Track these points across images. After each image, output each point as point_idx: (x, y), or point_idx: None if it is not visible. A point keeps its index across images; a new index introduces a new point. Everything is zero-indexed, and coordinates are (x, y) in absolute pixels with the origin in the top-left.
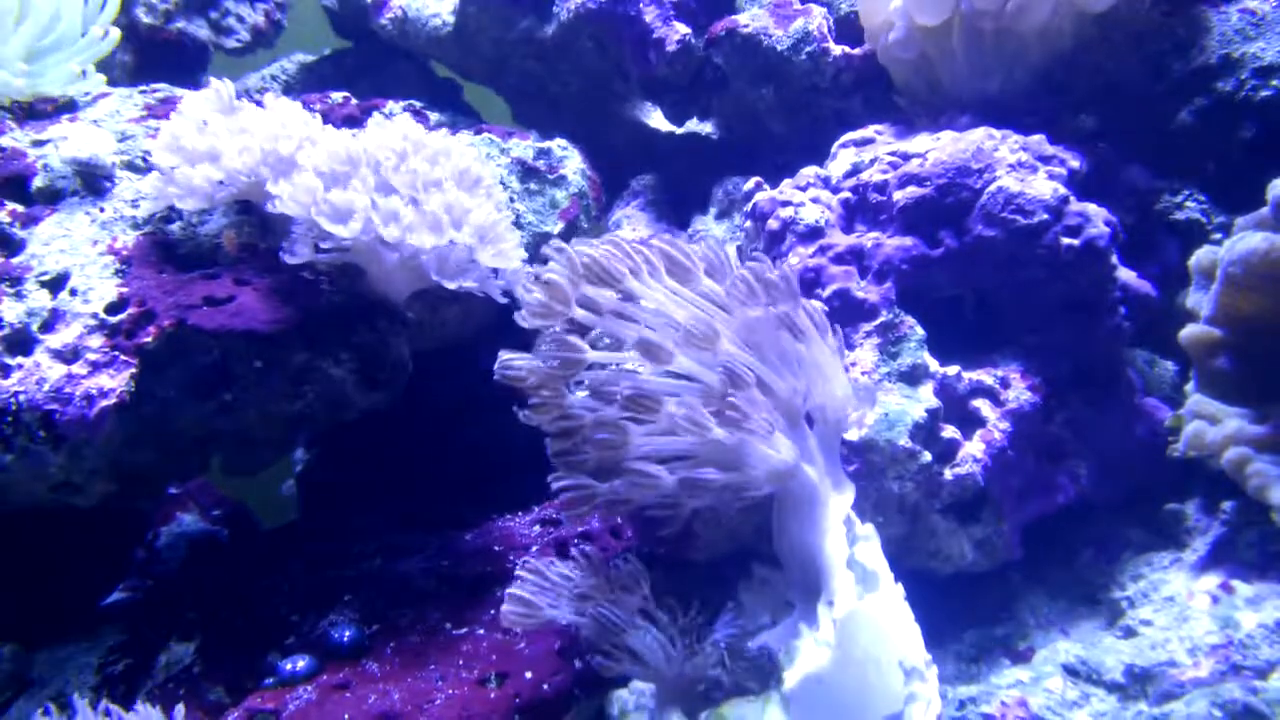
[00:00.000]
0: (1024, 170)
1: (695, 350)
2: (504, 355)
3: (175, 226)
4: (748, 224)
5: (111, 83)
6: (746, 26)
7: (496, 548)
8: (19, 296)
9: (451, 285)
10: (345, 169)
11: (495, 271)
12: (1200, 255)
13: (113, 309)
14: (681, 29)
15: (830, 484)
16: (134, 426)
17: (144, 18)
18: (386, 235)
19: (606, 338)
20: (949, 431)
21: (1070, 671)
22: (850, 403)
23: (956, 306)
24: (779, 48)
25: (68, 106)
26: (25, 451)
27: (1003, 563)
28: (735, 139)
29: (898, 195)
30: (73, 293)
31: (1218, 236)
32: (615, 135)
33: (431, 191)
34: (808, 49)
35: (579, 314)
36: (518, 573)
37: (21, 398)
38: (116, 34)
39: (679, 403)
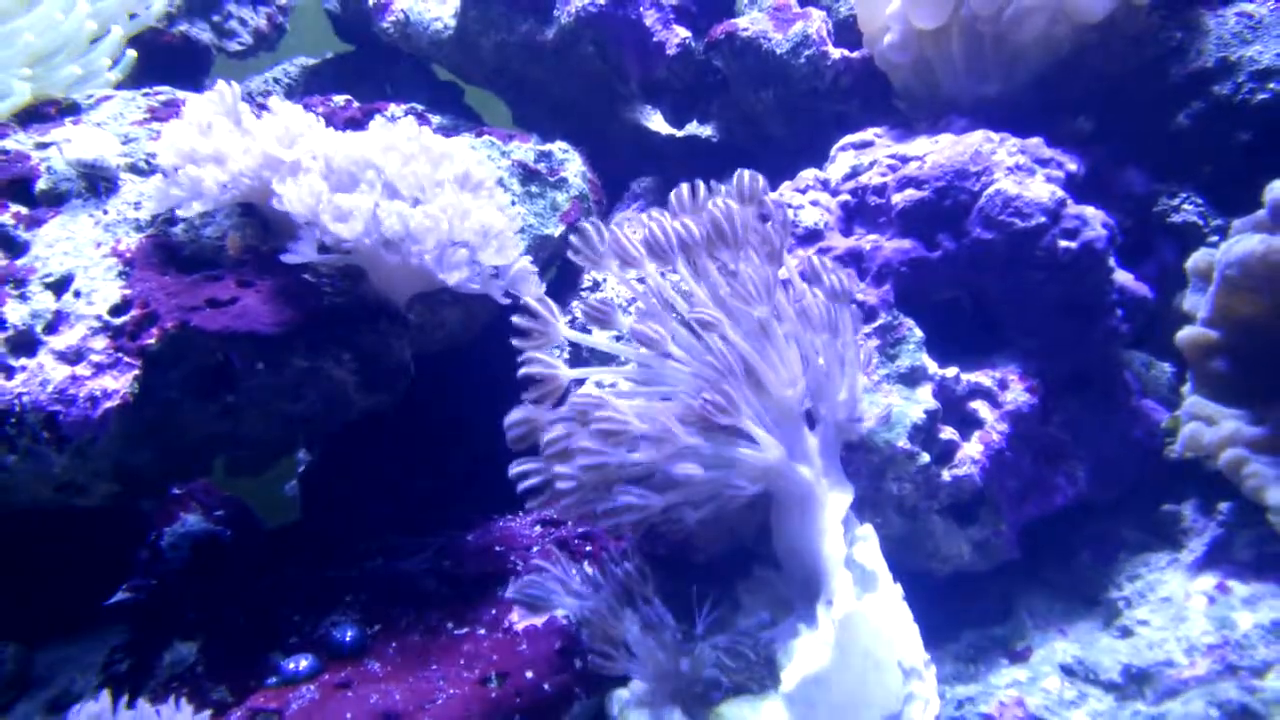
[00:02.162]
0: (1022, 173)
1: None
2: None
3: (178, 228)
4: None
5: (114, 85)
6: (746, 30)
7: (497, 548)
8: (23, 298)
9: (452, 281)
10: (349, 171)
11: (496, 272)
12: (1197, 258)
13: (116, 310)
14: (681, 32)
15: (829, 484)
16: (137, 428)
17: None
18: (390, 236)
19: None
20: (947, 433)
21: (1068, 671)
22: (856, 405)
23: (955, 308)
24: (778, 51)
25: (71, 109)
26: (29, 452)
27: (1001, 563)
28: (735, 142)
29: (896, 198)
30: (76, 294)
31: (1215, 239)
32: (616, 138)
33: (434, 194)
34: (807, 52)
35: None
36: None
37: (25, 399)
38: (119, 32)
39: (643, 418)
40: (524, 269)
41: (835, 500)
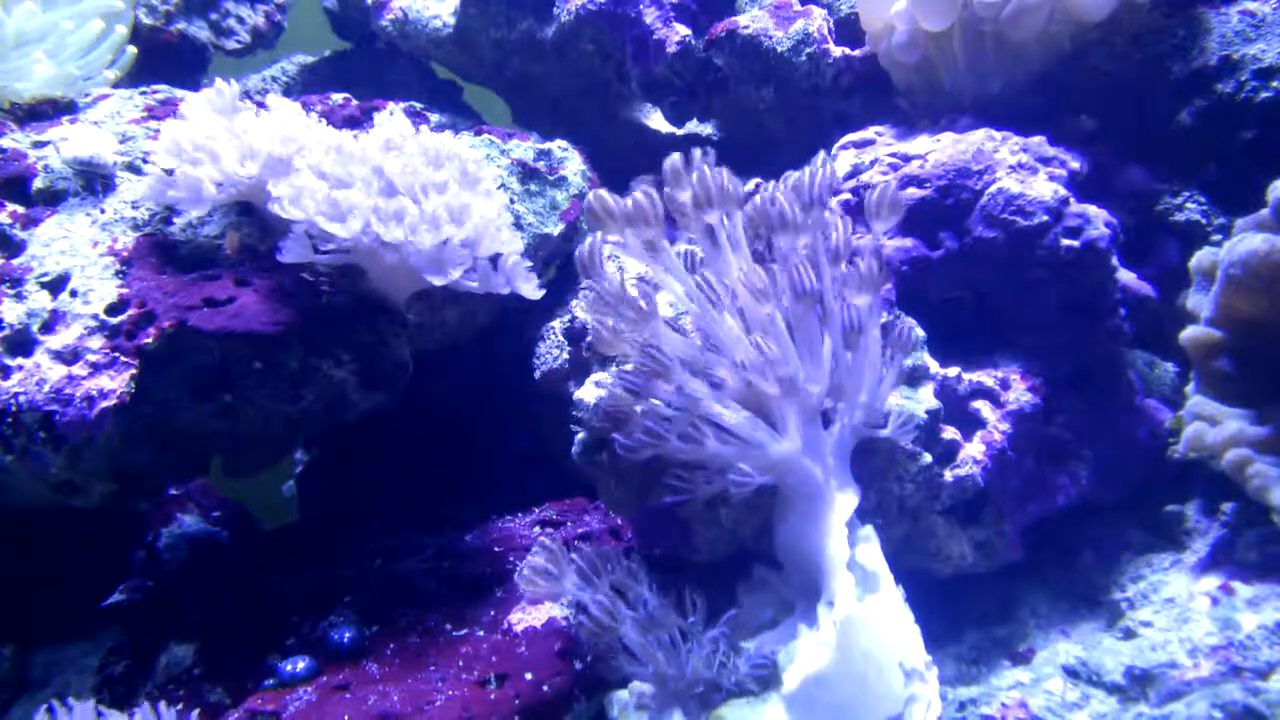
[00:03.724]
0: (1024, 171)
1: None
2: None
3: (175, 227)
4: None
5: (112, 84)
6: (747, 28)
7: (496, 549)
8: (19, 297)
9: (442, 280)
10: (347, 169)
11: (495, 268)
12: (1200, 257)
13: (113, 310)
14: (682, 30)
15: (836, 485)
16: (134, 427)
17: (144, 19)
18: (388, 236)
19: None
20: (949, 433)
21: (1070, 673)
22: (876, 409)
23: (957, 308)
24: (779, 49)
25: (68, 108)
26: (25, 452)
27: (1003, 564)
28: (735, 140)
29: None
30: (73, 294)
31: (1218, 238)
32: (615, 136)
33: (432, 192)
34: (808, 50)
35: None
36: (534, 548)
37: (22, 399)
38: (122, 30)
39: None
40: (520, 265)
41: (842, 502)
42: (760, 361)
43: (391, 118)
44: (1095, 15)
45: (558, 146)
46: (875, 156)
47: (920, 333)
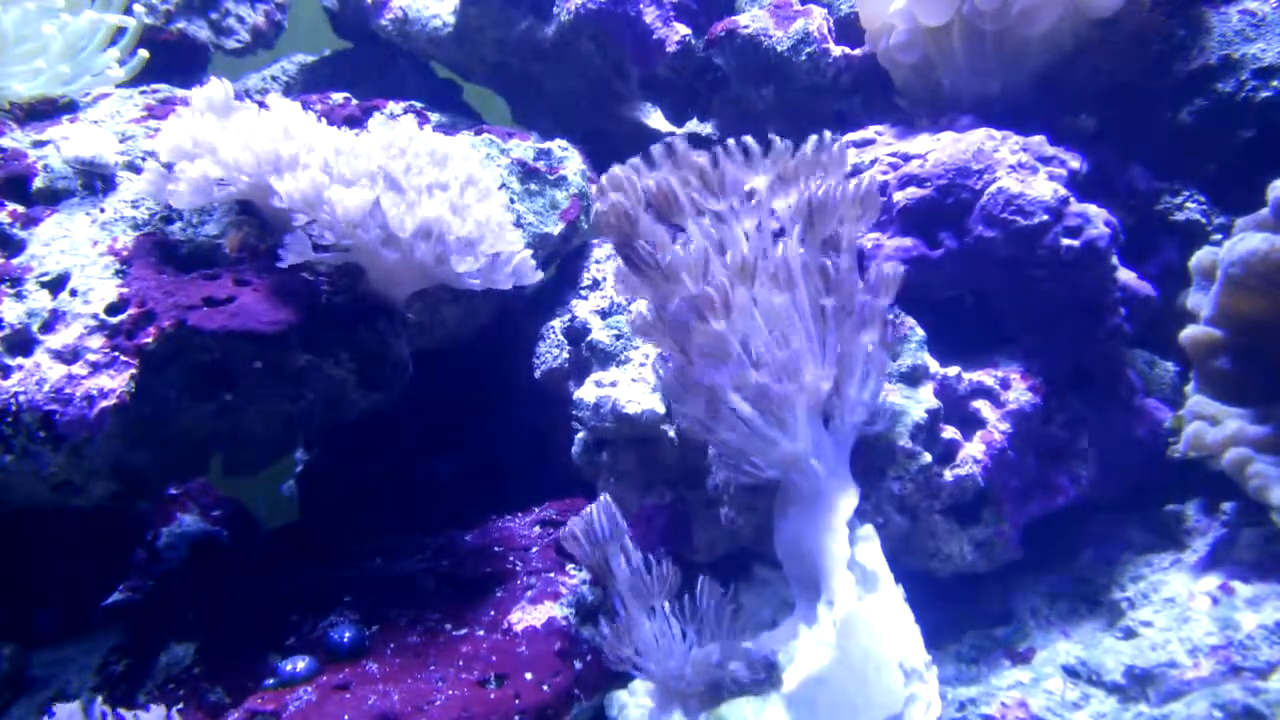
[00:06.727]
0: (1024, 171)
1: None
2: None
3: (175, 227)
4: None
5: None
6: (747, 27)
7: (496, 548)
8: (19, 297)
9: (462, 267)
10: (349, 167)
11: (494, 266)
12: (1200, 256)
13: (113, 309)
14: (682, 29)
15: (837, 484)
16: (134, 427)
17: (144, 18)
18: (394, 230)
19: None
20: (949, 432)
21: (1070, 672)
22: (875, 409)
23: (957, 307)
24: (779, 48)
25: (68, 107)
26: (25, 452)
27: (1003, 564)
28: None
29: (898, 196)
30: (73, 293)
31: (1218, 237)
32: (615, 136)
33: (434, 190)
34: (808, 50)
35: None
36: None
37: (21, 398)
38: (131, 24)
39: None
40: (521, 262)
41: (842, 501)
42: (781, 355)
43: (394, 118)
44: (1106, 10)
45: (558, 146)
46: (875, 156)
47: (920, 332)
